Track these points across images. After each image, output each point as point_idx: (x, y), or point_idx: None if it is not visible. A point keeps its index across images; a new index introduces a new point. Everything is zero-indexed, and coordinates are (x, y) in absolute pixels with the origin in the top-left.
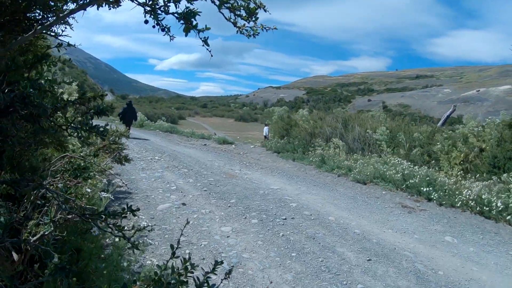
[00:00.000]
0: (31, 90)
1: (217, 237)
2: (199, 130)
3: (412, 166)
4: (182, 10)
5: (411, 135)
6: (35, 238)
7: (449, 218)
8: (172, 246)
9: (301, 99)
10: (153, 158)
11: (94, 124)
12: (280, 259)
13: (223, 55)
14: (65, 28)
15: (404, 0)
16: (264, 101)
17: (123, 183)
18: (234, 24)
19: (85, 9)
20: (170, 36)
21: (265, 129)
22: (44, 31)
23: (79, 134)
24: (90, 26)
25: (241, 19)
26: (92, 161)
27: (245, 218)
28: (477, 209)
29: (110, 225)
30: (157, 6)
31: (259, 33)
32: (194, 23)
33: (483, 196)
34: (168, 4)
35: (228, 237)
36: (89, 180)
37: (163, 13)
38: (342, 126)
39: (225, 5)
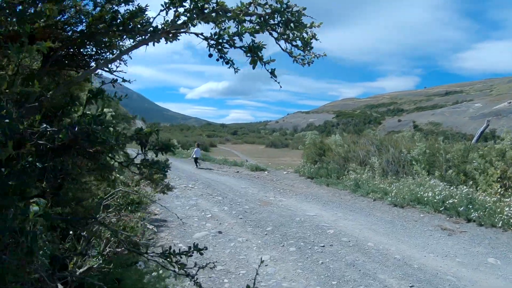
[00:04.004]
0: (95, 126)
1: (255, 265)
2: (231, 157)
3: (449, 186)
4: (248, 43)
5: (446, 155)
6: (81, 270)
7: (490, 239)
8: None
9: (331, 123)
10: (187, 186)
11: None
12: None
13: (252, 83)
14: (119, 64)
15: (425, 17)
16: (294, 126)
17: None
18: (290, 54)
19: (146, 44)
20: (234, 69)
21: (196, 150)
22: (103, 68)
23: (141, 171)
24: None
25: (298, 49)
26: (145, 194)
27: (283, 246)
28: None
29: (173, 263)
30: (223, 41)
31: (313, 61)
32: (261, 54)
33: None
34: (234, 38)
35: (266, 265)
36: (139, 213)
37: (228, 47)
38: (375, 148)
39: (283, 36)
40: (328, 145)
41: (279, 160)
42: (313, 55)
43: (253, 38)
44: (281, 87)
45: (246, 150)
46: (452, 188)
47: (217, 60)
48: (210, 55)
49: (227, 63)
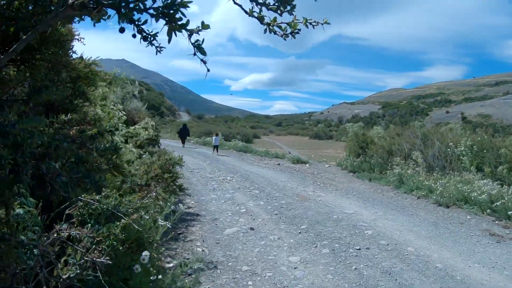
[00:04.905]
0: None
1: (283, 268)
2: (274, 148)
3: (500, 185)
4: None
5: (496, 150)
6: (64, 277)
7: None
8: None
9: (377, 114)
10: (225, 179)
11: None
12: None
13: (296, 73)
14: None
15: (473, 2)
16: (339, 117)
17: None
18: (260, 20)
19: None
20: (156, 48)
21: (215, 138)
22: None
23: (63, 182)
24: (166, 51)
25: (268, 9)
26: (114, 203)
27: (316, 247)
28: None
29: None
30: (130, 0)
31: (299, 30)
32: (184, 20)
33: None
34: None
35: (295, 268)
36: (122, 221)
37: (138, 13)
38: (421, 141)
39: None
40: (371, 138)
41: (322, 152)
42: (304, 21)
43: None
44: (208, 70)
45: (289, 142)
46: (503, 187)
47: (134, 36)
48: (122, 30)
49: (145, 39)
